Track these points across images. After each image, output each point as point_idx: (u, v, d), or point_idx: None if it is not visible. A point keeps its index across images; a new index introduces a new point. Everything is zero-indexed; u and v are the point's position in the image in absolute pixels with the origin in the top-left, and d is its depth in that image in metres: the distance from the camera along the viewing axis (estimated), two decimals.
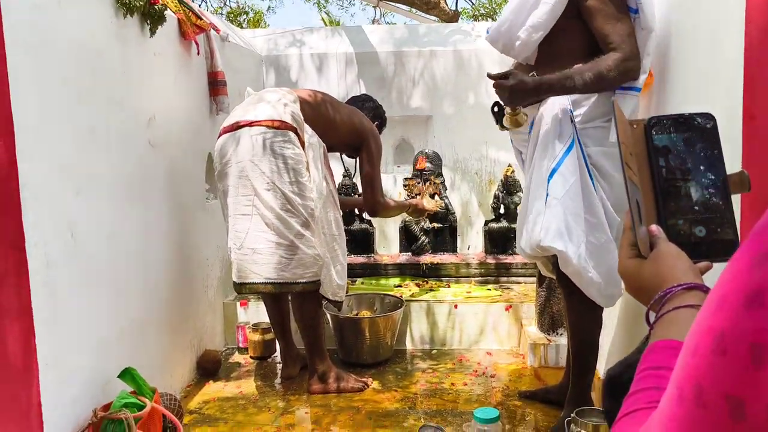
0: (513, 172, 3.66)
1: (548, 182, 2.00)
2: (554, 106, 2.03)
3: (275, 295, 2.74)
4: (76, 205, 1.91)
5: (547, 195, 2.00)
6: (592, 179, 1.98)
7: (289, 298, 2.72)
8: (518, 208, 3.65)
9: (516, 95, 1.99)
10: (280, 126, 2.48)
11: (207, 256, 3.05)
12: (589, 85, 1.93)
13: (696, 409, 0.41)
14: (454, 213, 3.79)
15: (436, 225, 3.71)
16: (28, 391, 1.73)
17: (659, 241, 0.74)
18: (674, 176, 0.75)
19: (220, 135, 2.60)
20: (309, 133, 2.58)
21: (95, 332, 2.02)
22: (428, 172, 3.74)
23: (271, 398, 2.64)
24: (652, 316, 0.70)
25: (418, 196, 3.64)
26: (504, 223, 3.65)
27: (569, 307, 2.13)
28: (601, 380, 2.54)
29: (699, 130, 0.76)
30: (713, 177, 0.75)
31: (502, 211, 3.68)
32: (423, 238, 3.71)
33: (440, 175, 3.80)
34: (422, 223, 3.72)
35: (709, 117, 0.77)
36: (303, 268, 2.51)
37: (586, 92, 1.96)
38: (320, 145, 2.62)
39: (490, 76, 2.05)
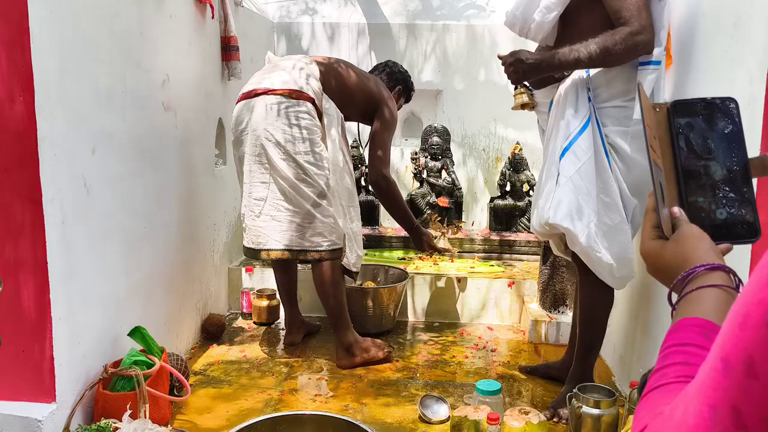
0: (521, 149, 3.66)
1: (560, 160, 2.01)
2: (572, 84, 2.02)
3: (286, 263, 2.75)
4: (92, 163, 1.92)
5: (558, 173, 2.01)
6: (608, 159, 1.98)
7: (311, 268, 2.69)
8: (524, 186, 3.66)
9: (519, 72, 2.00)
10: (297, 96, 2.48)
11: (214, 221, 3.06)
12: (595, 60, 1.92)
13: (746, 380, 0.41)
14: (461, 188, 3.80)
15: (442, 200, 3.72)
16: (42, 344, 1.76)
17: (681, 223, 0.75)
18: (696, 159, 0.77)
19: (237, 101, 2.59)
20: (327, 104, 2.57)
21: (107, 290, 2.05)
22: (436, 147, 3.74)
23: (274, 363, 2.68)
24: (674, 297, 0.70)
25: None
26: (509, 201, 3.66)
27: (583, 285, 2.15)
28: (605, 360, 2.58)
29: (721, 114, 0.77)
30: (735, 160, 0.76)
31: (508, 188, 3.69)
32: (428, 212, 3.72)
33: (449, 152, 3.80)
34: (428, 198, 3.73)
35: (731, 101, 0.78)
36: (320, 236, 2.53)
37: (592, 66, 1.95)
38: (338, 115, 2.61)
39: (499, 56, 2.07)
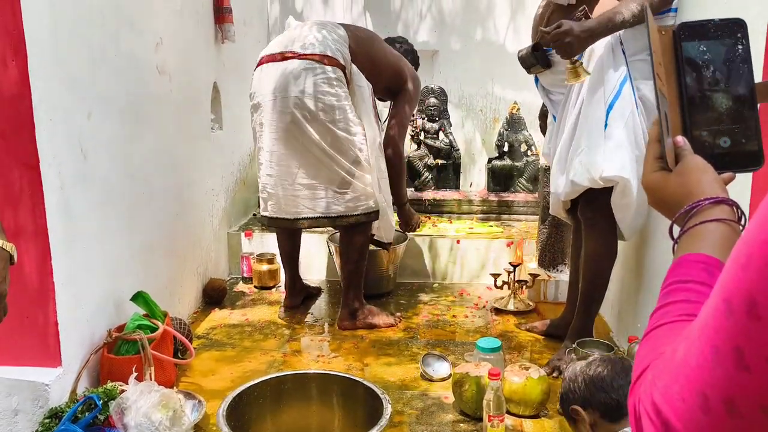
0: (518, 109, 3.64)
1: (607, 113, 1.98)
2: (606, 39, 2.00)
3: (292, 229, 2.73)
4: (88, 127, 1.91)
5: (606, 125, 1.98)
6: (638, 112, 1.98)
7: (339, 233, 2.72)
8: (522, 146, 3.64)
9: (574, 45, 1.93)
10: (328, 62, 2.42)
11: (212, 186, 3.05)
12: (637, 17, 1.90)
13: (749, 321, 0.41)
14: (458, 150, 3.78)
15: (439, 161, 3.71)
16: (45, 309, 1.77)
17: (685, 154, 0.72)
18: (701, 86, 0.73)
19: (259, 64, 2.52)
20: (356, 73, 2.52)
21: (108, 254, 2.05)
22: (434, 109, 3.71)
23: (277, 326, 2.71)
24: (676, 231, 0.68)
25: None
26: (507, 161, 3.65)
27: (589, 238, 2.16)
28: (603, 317, 2.61)
29: (729, 37, 0.74)
30: (741, 86, 0.73)
31: (506, 149, 3.68)
32: (426, 174, 3.71)
33: (446, 113, 3.77)
34: (426, 160, 3.72)
35: (739, 23, 0.74)
36: (356, 201, 2.53)
37: (635, 24, 1.92)
38: (368, 86, 2.57)
39: (543, 31, 1.97)
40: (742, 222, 0.67)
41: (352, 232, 2.60)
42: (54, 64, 1.72)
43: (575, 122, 2.09)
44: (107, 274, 2.05)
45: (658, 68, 0.74)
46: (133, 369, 1.84)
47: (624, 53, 1.99)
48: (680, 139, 0.73)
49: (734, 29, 0.74)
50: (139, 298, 2.10)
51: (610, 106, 1.97)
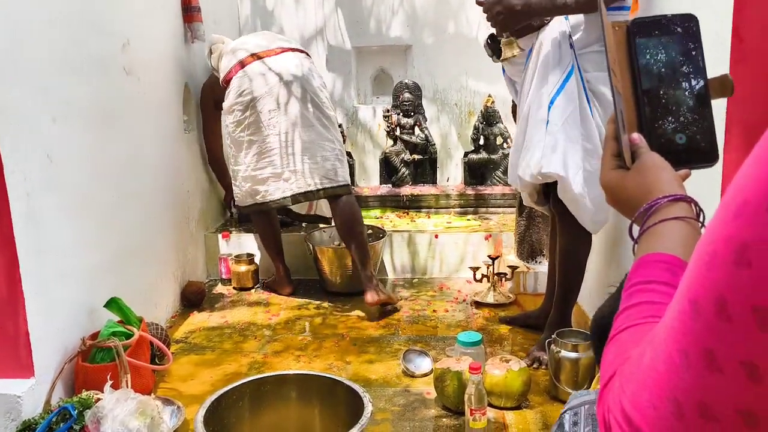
0: (493, 102, 3.64)
1: (549, 109, 1.99)
2: (554, 31, 2.00)
3: (270, 214, 2.91)
4: (54, 132, 1.87)
5: (548, 122, 2.00)
6: (589, 105, 1.98)
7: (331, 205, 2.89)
8: (497, 139, 3.65)
9: (506, 19, 1.96)
10: (308, 55, 2.90)
11: (188, 188, 3.01)
12: (582, 5, 1.90)
13: (718, 321, 0.40)
14: (434, 144, 3.78)
15: (416, 157, 3.71)
16: (15, 319, 1.73)
17: (642, 151, 0.71)
18: (655, 82, 0.73)
19: (256, 59, 2.72)
20: None
21: (80, 262, 2.01)
22: (408, 104, 3.70)
23: (257, 327, 2.68)
24: (636, 231, 0.68)
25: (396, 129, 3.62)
26: (483, 155, 3.65)
27: (562, 231, 2.17)
28: (581, 306, 2.62)
29: (681, 32, 0.74)
30: (694, 82, 0.73)
31: (481, 142, 3.68)
32: (403, 169, 3.70)
33: (421, 108, 3.76)
34: (402, 155, 3.71)
35: (691, 18, 0.74)
36: (345, 172, 2.84)
37: (578, 11, 1.93)
38: None
39: (478, 2, 2.02)
40: (701, 219, 0.67)
41: (351, 200, 2.81)
42: (13, 69, 1.68)
43: (526, 115, 2.11)
44: (80, 281, 2.01)
45: (613, 64, 0.73)
46: (109, 377, 1.80)
47: (572, 47, 1.98)
48: (636, 136, 0.72)
49: (686, 25, 0.74)
50: (113, 304, 2.07)
51: (552, 102, 1.98)
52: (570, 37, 1.98)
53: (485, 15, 2.01)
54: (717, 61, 1.47)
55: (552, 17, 2.02)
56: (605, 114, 1.99)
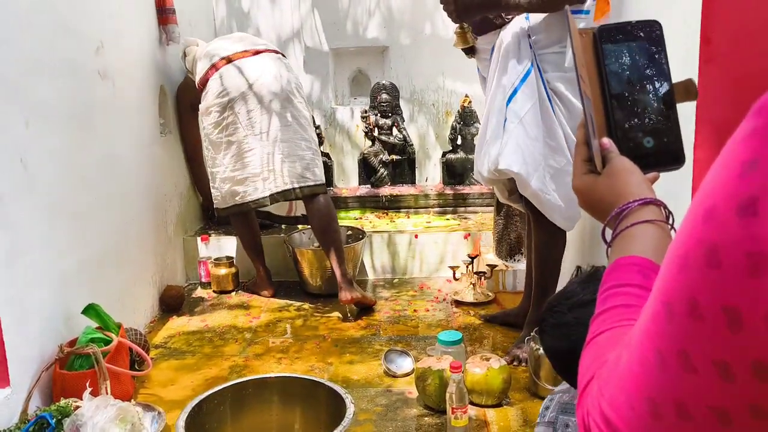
0: (470, 102, 3.66)
1: (507, 106, 2.03)
2: (514, 30, 2.03)
3: (249, 215, 2.91)
4: (28, 136, 1.84)
5: (506, 119, 2.03)
6: (551, 104, 2.01)
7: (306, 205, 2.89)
8: (474, 139, 3.68)
9: (460, 9, 1.98)
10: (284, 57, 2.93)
11: (165, 191, 2.99)
12: (534, 4, 1.93)
13: (691, 322, 0.40)
14: (412, 145, 3.79)
15: (394, 157, 3.72)
16: None
17: (612, 156, 0.72)
18: (622, 86, 0.75)
19: (230, 60, 2.73)
20: None
21: (56, 268, 1.99)
22: (386, 105, 3.71)
23: (238, 330, 2.67)
24: (608, 234, 0.69)
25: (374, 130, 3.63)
26: (461, 154, 3.67)
27: (535, 230, 2.20)
28: None
29: (645, 38, 0.76)
30: (660, 86, 0.75)
31: (459, 142, 3.70)
32: (382, 170, 3.71)
33: (399, 108, 3.77)
34: (381, 156, 3.72)
35: (655, 24, 0.76)
36: (321, 170, 2.85)
37: (531, 11, 1.96)
38: None
39: None
40: (671, 221, 0.68)
41: (327, 199, 2.82)
42: None
43: (488, 112, 2.14)
44: (56, 287, 1.98)
45: (581, 70, 0.75)
46: (88, 384, 1.78)
47: (531, 47, 2.02)
48: (606, 141, 0.74)
49: (649, 30, 0.76)
50: (90, 310, 2.04)
51: (509, 100, 2.02)
52: (529, 36, 2.01)
53: (442, 5, 2.06)
54: (686, 61, 1.50)
55: (513, 16, 2.05)
56: (568, 113, 2.03)
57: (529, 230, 2.42)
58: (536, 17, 2.01)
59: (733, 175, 0.38)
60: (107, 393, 1.85)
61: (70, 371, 1.89)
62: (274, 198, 2.77)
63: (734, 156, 0.39)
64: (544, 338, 1.28)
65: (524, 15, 2.03)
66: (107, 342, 2.00)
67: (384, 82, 3.78)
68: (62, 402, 1.76)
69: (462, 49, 2.27)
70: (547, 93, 2.00)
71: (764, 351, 0.38)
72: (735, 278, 0.38)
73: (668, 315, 0.42)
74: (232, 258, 3.12)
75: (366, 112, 3.74)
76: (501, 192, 2.32)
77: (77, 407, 1.72)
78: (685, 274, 0.41)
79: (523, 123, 2.00)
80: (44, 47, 1.96)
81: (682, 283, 0.41)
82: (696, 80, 1.45)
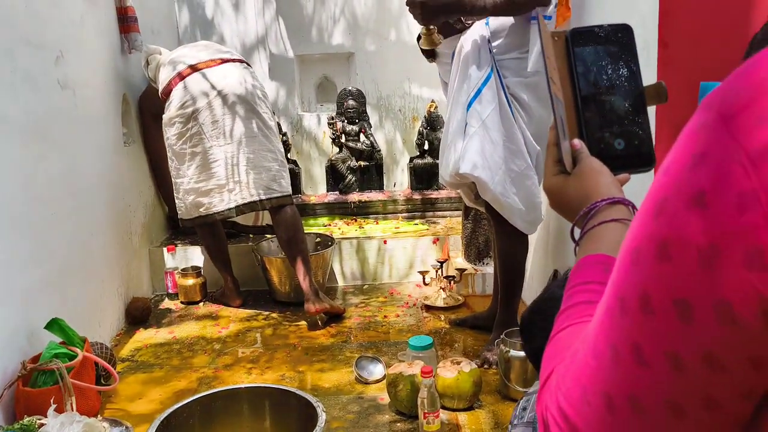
0: (436, 107, 3.69)
1: (467, 111, 2.05)
2: (474, 35, 2.05)
3: (215, 225, 2.88)
4: None
5: (467, 123, 2.05)
6: (511, 109, 2.04)
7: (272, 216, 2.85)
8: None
9: (427, 12, 2.00)
10: (248, 64, 2.89)
11: (129, 202, 2.94)
12: (499, 7, 1.95)
13: (643, 316, 0.41)
14: (380, 151, 3.80)
15: (362, 163, 3.72)
16: None
17: (583, 157, 0.74)
18: (593, 89, 0.76)
19: (195, 70, 2.69)
20: None
21: (17, 283, 1.94)
22: (353, 111, 3.71)
23: (206, 341, 2.64)
24: (577, 233, 0.70)
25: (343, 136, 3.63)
26: (428, 159, 3.69)
27: (498, 233, 2.22)
28: (527, 304, 2.69)
29: (617, 41, 0.77)
30: (630, 89, 0.76)
31: (426, 147, 3.72)
32: (350, 176, 3.71)
33: (365, 115, 3.78)
34: (349, 162, 3.72)
35: (626, 28, 0.77)
36: (286, 181, 2.81)
37: (496, 14, 1.99)
38: None
39: None
40: None
41: (294, 210, 2.80)
42: None
43: (449, 117, 2.17)
44: (18, 303, 1.93)
45: (553, 73, 0.76)
46: (52, 401, 1.74)
47: (491, 52, 2.05)
48: (577, 142, 0.75)
49: (620, 34, 0.77)
50: (54, 325, 2.00)
51: (470, 105, 2.05)
52: (489, 42, 2.04)
53: (408, 7, 2.05)
54: (646, 64, 1.53)
55: (473, 21, 2.08)
56: (528, 117, 2.07)
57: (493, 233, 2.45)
58: (496, 23, 2.04)
59: (683, 168, 0.39)
60: (72, 409, 1.81)
61: (34, 388, 1.85)
62: (240, 210, 2.74)
63: (684, 149, 0.40)
64: (533, 340, 1.29)
65: (484, 21, 2.06)
66: (72, 357, 1.95)
67: (350, 88, 3.78)
68: (26, 420, 1.71)
69: (423, 53, 2.28)
70: (507, 98, 2.03)
71: (715, 342, 0.39)
72: (685, 271, 0.38)
73: (621, 309, 0.43)
74: (199, 268, 3.09)
75: (333, 118, 3.73)
76: (467, 196, 2.34)
77: (42, 425, 1.68)
78: (637, 269, 0.42)
79: (484, 127, 2.02)
80: (2, 58, 1.91)
81: (635, 278, 0.42)
82: (656, 79, 1.49)
